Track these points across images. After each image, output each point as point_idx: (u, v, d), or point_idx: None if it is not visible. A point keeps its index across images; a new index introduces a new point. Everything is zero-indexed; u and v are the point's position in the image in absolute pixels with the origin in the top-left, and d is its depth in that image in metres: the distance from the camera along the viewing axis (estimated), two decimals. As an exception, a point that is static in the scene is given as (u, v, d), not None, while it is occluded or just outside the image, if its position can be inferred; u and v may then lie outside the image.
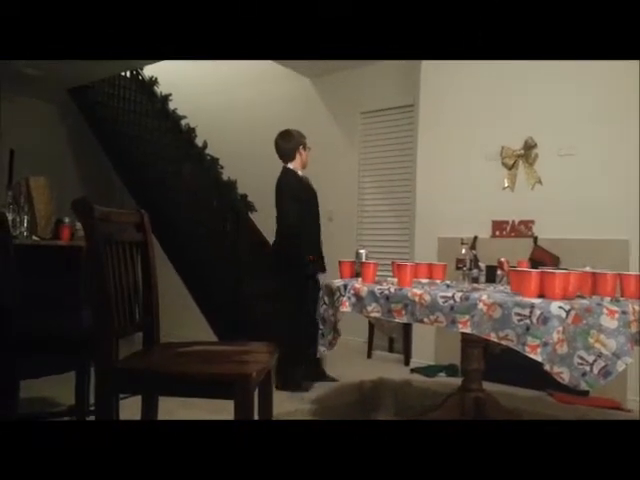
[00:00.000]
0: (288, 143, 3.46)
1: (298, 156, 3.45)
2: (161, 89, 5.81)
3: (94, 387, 1.63)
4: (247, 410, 1.45)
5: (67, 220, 3.28)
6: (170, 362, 1.63)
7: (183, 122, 5.53)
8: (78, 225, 2.97)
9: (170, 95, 5.71)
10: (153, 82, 5.86)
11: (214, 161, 5.13)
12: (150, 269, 1.76)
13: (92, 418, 1.87)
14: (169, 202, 5.08)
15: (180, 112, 5.63)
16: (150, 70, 5.84)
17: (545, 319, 1.89)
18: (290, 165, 3.46)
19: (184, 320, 4.49)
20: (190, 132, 5.35)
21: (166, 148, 5.55)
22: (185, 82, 6.07)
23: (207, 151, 5.23)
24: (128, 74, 6.01)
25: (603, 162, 3.42)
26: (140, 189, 5.22)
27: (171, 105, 5.68)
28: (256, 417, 1.70)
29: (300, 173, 3.47)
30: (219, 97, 6.07)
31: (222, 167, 5.18)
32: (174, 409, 2.72)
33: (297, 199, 3.33)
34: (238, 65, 5.62)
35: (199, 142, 5.33)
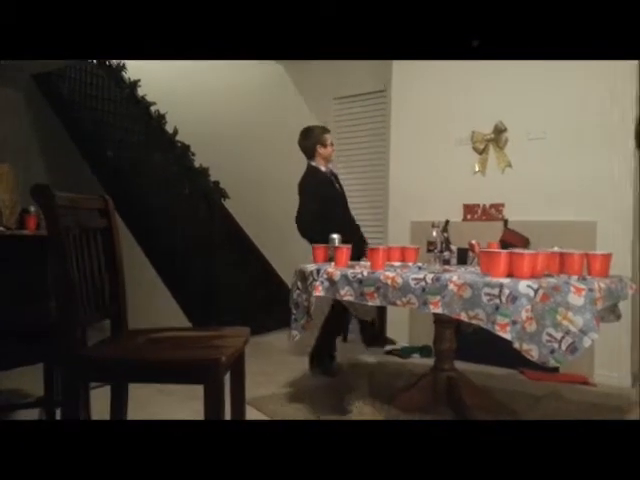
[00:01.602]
0: (306, 141, 3.51)
1: (318, 153, 3.49)
2: (129, 74, 5.68)
3: (62, 377, 1.60)
4: (217, 395, 1.44)
5: (33, 209, 3.19)
6: (138, 349, 1.60)
7: (153, 108, 5.41)
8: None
9: (139, 81, 5.58)
10: (121, 68, 5.72)
11: (185, 148, 5.05)
12: (115, 255, 1.72)
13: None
14: (140, 190, 4.99)
15: (150, 98, 5.51)
16: (117, 55, 5.69)
17: (514, 298, 1.92)
18: (313, 162, 3.51)
19: (156, 308, 4.44)
20: (160, 118, 5.25)
21: (135, 135, 5.44)
22: (154, 67, 5.92)
23: (178, 138, 5.13)
24: (95, 60, 5.85)
25: (571, 145, 3.47)
26: (109, 177, 5.11)
27: (140, 91, 5.56)
28: (228, 401, 1.69)
29: (323, 169, 3.52)
30: (190, 83, 5.96)
31: (194, 154, 5.10)
32: (150, 395, 2.70)
33: (317, 197, 3.38)
34: (208, 49, 5.51)
35: (169, 129, 5.23)
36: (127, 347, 1.63)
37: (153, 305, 4.46)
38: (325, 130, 3.56)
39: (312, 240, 3.13)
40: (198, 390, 1.44)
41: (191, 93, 5.90)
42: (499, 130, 3.75)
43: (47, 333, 2.18)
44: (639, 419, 1.51)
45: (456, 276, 2.10)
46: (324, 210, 3.35)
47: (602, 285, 2.03)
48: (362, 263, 2.73)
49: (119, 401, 1.73)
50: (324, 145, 3.48)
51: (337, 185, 3.64)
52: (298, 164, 3.80)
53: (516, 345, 1.95)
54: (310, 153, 3.52)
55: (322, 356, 3.46)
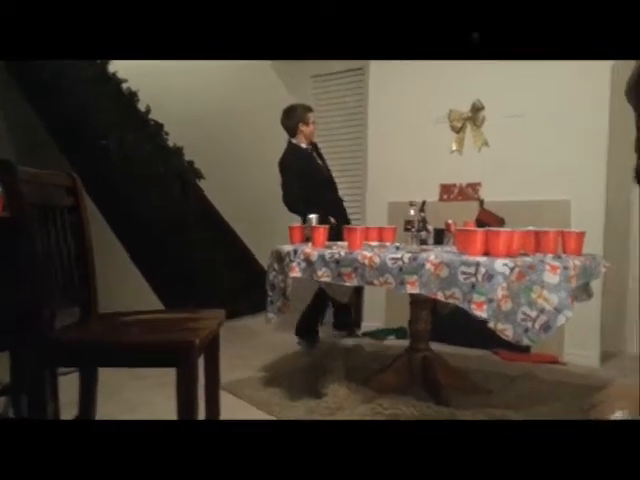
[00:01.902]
0: (288, 120, 3.58)
1: (300, 131, 3.56)
2: (98, 50, 5.48)
3: (28, 362, 1.54)
4: (190, 378, 1.41)
5: (-2, 189, 3.07)
6: (109, 332, 1.55)
7: (124, 85, 5.24)
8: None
9: (109, 57, 5.39)
10: (90, 43, 5.52)
11: (158, 126, 4.92)
12: (84, 235, 1.66)
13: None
14: (111, 169, 4.84)
15: (121, 75, 5.34)
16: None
17: (490, 276, 1.93)
18: (294, 140, 3.60)
19: (128, 291, 4.35)
20: (132, 96, 5.09)
21: (106, 112, 5.26)
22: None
23: (151, 116, 5.00)
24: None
25: (549, 124, 3.48)
26: (80, 156, 4.95)
27: (111, 68, 5.37)
28: (202, 385, 1.66)
29: (304, 146, 3.61)
30: (162, 60, 5.78)
31: (167, 133, 4.98)
32: (123, 381, 2.65)
33: (299, 173, 3.46)
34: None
35: (142, 107, 5.08)
36: (97, 330, 1.57)
37: (125, 288, 4.37)
38: (308, 109, 3.63)
39: (302, 213, 3.23)
40: (172, 375, 1.41)
41: (164, 71, 5.72)
42: (476, 108, 3.74)
43: (12, 317, 2.11)
44: (637, 419, 1.54)
45: (433, 255, 2.10)
46: (307, 186, 3.41)
47: (577, 263, 2.05)
48: (339, 243, 2.71)
49: (89, 388, 1.68)
50: (306, 123, 3.56)
51: (319, 161, 3.69)
52: (276, 143, 3.74)
53: (491, 324, 1.96)
54: (292, 131, 3.59)
55: (308, 327, 3.60)
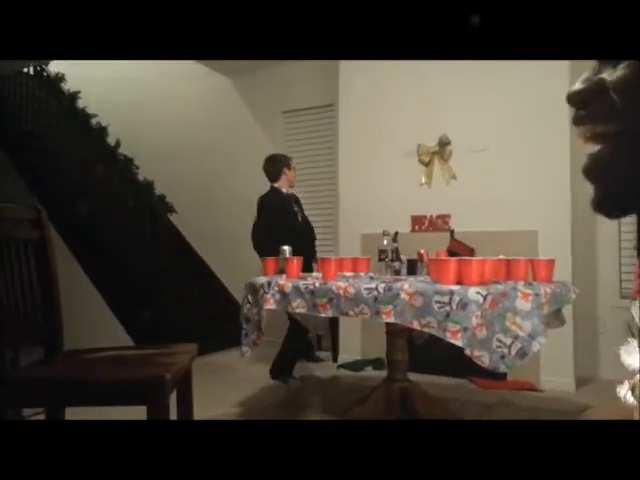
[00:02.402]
0: (273, 167, 3.73)
1: (284, 177, 3.72)
2: (69, 86, 5.46)
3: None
4: (162, 416, 1.35)
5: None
6: (75, 369, 1.49)
7: (94, 120, 5.22)
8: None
9: (79, 92, 5.38)
10: (60, 78, 5.50)
11: (128, 161, 4.88)
12: (49, 269, 1.60)
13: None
14: (80, 203, 4.76)
15: (90, 110, 5.32)
16: (56, 66, 5.47)
17: (464, 304, 1.94)
18: (276, 184, 3.72)
19: (96, 327, 4.22)
20: (101, 131, 5.06)
21: (75, 147, 5.21)
22: (96, 78, 5.74)
23: (121, 150, 4.96)
24: (31, 70, 5.61)
25: (513, 157, 3.58)
26: (47, 191, 4.86)
27: (80, 103, 5.35)
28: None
29: (284, 191, 3.73)
30: (133, 95, 5.79)
31: (137, 167, 4.95)
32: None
33: (277, 215, 3.57)
34: (153, 62, 5.39)
35: (111, 141, 5.05)
36: (63, 368, 1.51)
37: (92, 324, 4.24)
38: (289, 158, 3.84)
39: (264, 254, 3.16)
40: (140, 414, 1.35)
41: (135, 105, 5.74)
42: (443, 143, 3.83)
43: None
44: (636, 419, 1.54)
45: (407, 285, 2.10)
46: (281, 229, 3.48)
47: (548, 290, 2.08)
48: (314, 274, 2.69)
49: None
50: (289, 168, 3.75)
51: (297, 207, 3.81)
52: (245, 177, 3.76)
53: (467, 352, 1.95)
54: (275, 177, 3.73)
55: (283, 369, 3.53)
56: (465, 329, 1.93)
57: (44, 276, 1.59)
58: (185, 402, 1.70)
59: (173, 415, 1.51)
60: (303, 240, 3.59)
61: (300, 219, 3.81)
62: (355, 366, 3.91)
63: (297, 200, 3.88)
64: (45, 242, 1.61)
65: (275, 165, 3.74)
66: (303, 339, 3.69)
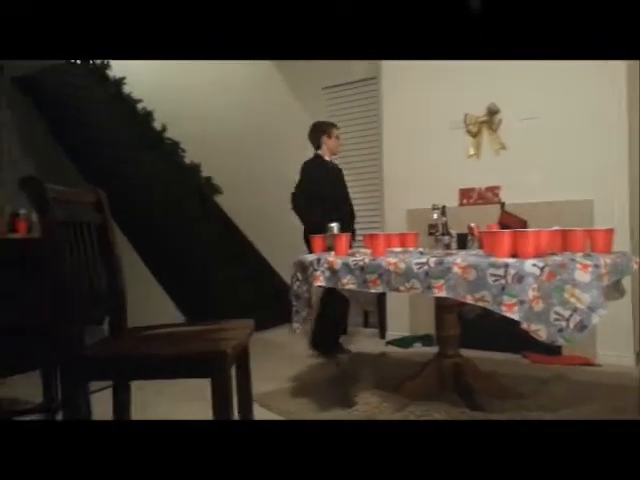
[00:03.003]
0: (313, 136, 3.79)
1: (324, 145, 3.74)
2: (114, 73, 5.59)
3: (61, 380, 1.55)
4: (225, 389, 1.40)
5: (22, 212, 3.13)
6: (140, 345, 1.55)
7: (139, 106, 5.33)
8: (35, 217, 2.84)
9: (124, 78, 5.50)
10: (105, 66, 5.64)
11: (175, 145, 4.98)
12: (112, 251, 1.67)
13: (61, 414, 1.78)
14: (129, 188, 4.90)
15: (135, 96, 5.44)
16: (100, 53, 5.60)
17: (520, 277, 1.89)
18: (319, 151, 3.77)
19: (152, 307, 4.37)
20: (147, 116, 5.17)
21: (122, 133, 5.35)
22: (139, 65, 5.84)
23: (166, 135, 5.06)
24: (78, 60, 5.75)
25: (564, 125, 3.44)
26: (97, 177, 5.02)
27: (125, 89, 5.47)
28: (235, 396, 1.65)
29: (327, 159, 3.75)
30: (177, 80, 5.86)
31: (184, 151, 5.04)
32: (148, 399, 2.65)
33: (316, 180, 3.62)
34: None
35: (157, 126, 5.16)
36: (129, 344, 1.57)
37: (148, 304, 4.39)
38: (332, 125, 3.82)
39: (301, 216, 3.56)
40: (201, 390, 1.39)
41: (178, 90, 5.82)
42: (492, 112, 3.71)
43: (42, 334, 2.12)
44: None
45: (460, 258, 2.07)
46: (319, 195, 3.53)
47: (607, 261, 2.00)
48: (362, 251, 2.69)
49: (122, 403, 1.68)
50: (329, 136, 3.73)
51: (338, 176, 3.82)
52: (291, 156, 3.77)
53: (524, 325, 1.91)
54: (317, 143, 3.76)
55: (323, 338, 3.65)
56: (521, 302, 1.89)
57: (108, 257, 1.66)
58: (244, 376, 1.75)
59: (233, 389, 1.56)
60: (341, 213, 3.57)
61: (340, 191, 3.81)
62: (403, 342, 3.91)
63: (339, 172, 3.87)
64: (107, 224, 1.67)
65: (314, 133, 3.78)
66: (339, 313, 3.71)
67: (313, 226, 3.48)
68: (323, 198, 3.56)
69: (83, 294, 1.54)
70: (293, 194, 3.69)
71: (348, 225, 3.72)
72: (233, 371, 1.60)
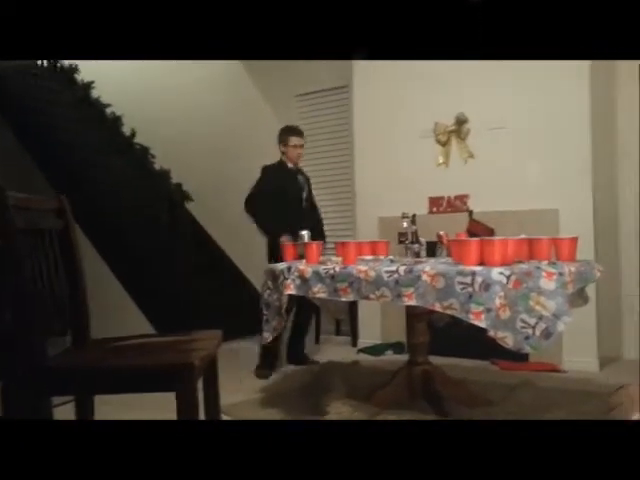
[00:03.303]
0: (278, 137, 3.68)
1: (282, 152, 3.65)
2: (82, 76, 5.48)
3: (20, 393, 1.49)
4: (191, 402, 1.37)
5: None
6: (104, 357, 1.51)
7: (108, 110, 5.24)
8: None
9: (93, 82, 5.39)
10: (73, 69, 5.52)
11: (144, 150, 4.90)
12: (74, 258, 1.62)
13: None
14: (97, 193, 4.80)
15: (104, 100, 5.34)
16: (68, 57, 5.48)
17: (487, 285, 1.92)
18: (283, 157, 3.68)
19: (118, 316, 4.27)
20: (116, 120, 5.08)
21: (90, 138, 5.24)
22: (108, 68, 5.74)
23: (136, 140, 4.98)
24: (45, 62, 5.63)
25: (532, 134, 3.52)
26: (64, 182, 4.90)
27: (94, 93, 5.37)
28: (201, 409, 1.62)
29: (290, 165, 3.64)
30: (147, 84, 5.78)
31: (154, 156, 4.96)
32: (111, 413, 2.57)
33: (273, 184, 3.52)
34: (164, 49, 5.38)
35: (126, 131, 5.07)
36: (92, 356, 1.53)
37: (112, 312, 4.29)
38: (290, 133, 3.63)
39: (253, 217, 3.53)
40: (168, 401, 1.36)
41: (148, 94, 5.73)
42: (460, 121, 3.77)
43: (2, 346, 2.04)
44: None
45: (429, 266, 2.08)
46: (277, 200, 3.47)
47: (572, 269, 2.05)
48: (333, 259, 2.69)
49: (84, 418, 1.62)
50: (285, 144, 3.61)
51: (300, 183, 3.70)
52: (263, 163, 3.74)
53: (491, 333, 1.94)
54: (279, 148, 3.67)
55: (297, 352, 3.64)
56: (488, 310, 1.92)
57: (70, 265, 1.61)
58: (211, 388, 1.72)
59: (200, 401, 1.53)
60: (303, 221, 3.47)
61: (304, 199, 3.72)
62: (375, 350, 3.92)
63: (304, 180, 3.76)
64: (69, 231, 1.62)
65: (278, 137, 3.68)
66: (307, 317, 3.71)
67: (265, 231, 3.55)
68: (277, 202, 3.48)
69: (44, 302, 1.49)
70: (247, 196, 3.61)
71: (317, 233, 3.68)
72: (200, 383, 1.58)
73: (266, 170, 3.61)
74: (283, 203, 3.52)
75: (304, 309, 3.52)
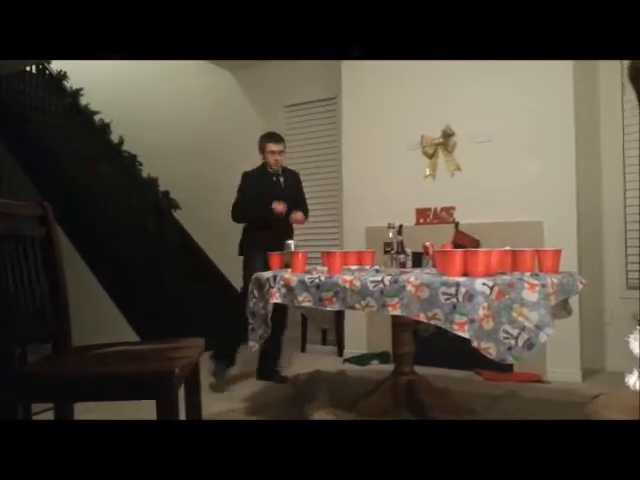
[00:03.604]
0: (259, 141, 3.62)
1: (262, 157, 3.60)
2: (71, 83, 5.47)
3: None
4: (171, 410, 1.35)
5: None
6: (84, 364, 1.49)
7: (97, 118, 5.22)
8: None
9: (81, 90, 5.38)
10: (62, 76, 5.51)
11: (132, 158, 4.89)
12: (56, 265, 1.61)
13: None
14: (85, 201, 4.78)
15: (93, 107, 5.33)
16: (58, 64, 5.47)
17: (470, 296, 1.93)
18: (264, 160, 3.63)
19: (103, 324, 4.24)
20: (104, 128, 5.06)
21: (79, 145, 5.22)
22: (97, 76, 5.74)
23: (124, 147, 4.97)
24: (33, 69, 5.61)
25: (518, 148, 3.57)
26: (52, 189, 4.87)
27: (82, 100, 5.36)
28: (184, 416, 1.60)
29: (270, 170, 3.58)
30: (136, 91, 5.78)
31: (141, 164, 4.95)
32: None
33: (253, 188, 3.51)
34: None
35: (115, 138, 5.06)
36: (71, 363, 1.51)
37: (97, 320, 4.25)
38: (270, 138, 3.57)
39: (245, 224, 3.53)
40: (148, 409, 1.35)
41: (137, 101, 5.73)
42: (447, 134, 3.82)
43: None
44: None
45: (413, 277, 2.09)
46: (255, 202, 3.43)
47: (554, 280, 2.07)
48: (319, 268, 2.69)
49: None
50: (262, 150, 3.58)
51: (281, 186, 3.62)
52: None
53: (474, 343, 1.95)
54: (260, 155, 3.63)
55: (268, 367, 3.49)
56: (472, 321, 1.93)
57: (51, 272, 1.60)
58: (193, 396, 1.71)
59: (181, 409, 1.52)
60: (280, 221, 3.45)
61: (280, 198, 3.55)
62: (361, 360, 3.91)
63: (287, 181, 3.65)
64: (52, 238, 1.61)
65: (260, 141, 3.62)
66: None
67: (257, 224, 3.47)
68: (259, 206, 3.43)
69: (24, 309, 1.48)
70: (232, 205, 3.59)
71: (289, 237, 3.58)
72: (182, 392, 1.56)
73: (246, 176, 3.61)
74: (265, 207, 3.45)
75: (276, 325, 3.22)
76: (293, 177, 3.74)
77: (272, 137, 3.60)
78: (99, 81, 5.67)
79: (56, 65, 5.53)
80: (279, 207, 3.40)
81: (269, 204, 3.41)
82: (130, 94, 5.77)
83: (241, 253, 3.64)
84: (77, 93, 5.35)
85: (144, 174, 4.90)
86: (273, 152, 3.54)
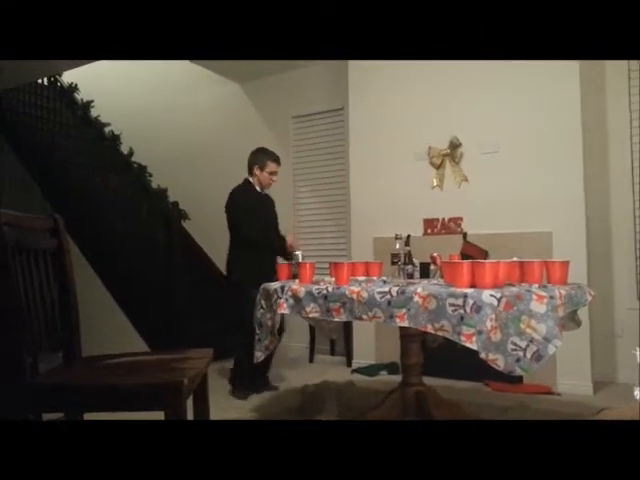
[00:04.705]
0: (251, 157, 3.53)
1: (254, 173, 3.49)
2: (82, 95, 5.55)
3: (11, 410, 1.48)
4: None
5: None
6: (93, 375, 1.51)
7: (107, 129, 5.29)
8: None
9: (92, 102, 5.46)
10: (73, 89, 5.59)
11: (142, 169, 4.94)
12: (67, 277, 1.63)
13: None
14: (95, 212, 4.83)
15: (103, 119, 5.40)
16: (69, 76, 5.56)
17: (478, 308, 1.92)
18: (250, 178, 3.52)
19: (113, 334, 4.26)
20: (114, 139, 5.12)
21: (89, 157, 5.28)
22: (108, 88, 5.82)
23: (134, 159, 5.02)
24: (45, 81, 5.70)
25: (525, 158, 3.57)
26: (62, 200, 4.94)
27: (93, 112, 5.43)
28: (191, 428, 1.61)
29: (258, 189, 3.50)
30: (145, 104, 5.86)
31: (151, 175, 5.00)
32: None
33: (244, 208, 3.40)
34: (164, 70, 5.46)
35: (125, 149, 5.12)
36: (81, 374, 1.53)
37: (108, 330, 4.28)
38: (271, 157, 3.49)
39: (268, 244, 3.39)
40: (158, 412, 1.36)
41: (147, 113, 5.81)
42: (454, 145, 3.83)
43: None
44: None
45: (421, 288, 2.09)
46: (251, 217, 3.37)
47: (563, 292, 2.06)
48: (327, 279, 2.69)
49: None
50: (262, 169, 3.45)
51: (267, 207, 3.59)
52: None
53: (482, 355, 1.94)
54: (249, 169, 3.52)
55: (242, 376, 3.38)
56: (479, 332, 1.92)
57: (62, 284, 1.62)
58: (202, 407, 1.72)
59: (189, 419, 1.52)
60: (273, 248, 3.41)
61: (270, 222, 3.58)
62: (369, 370, 3.90)
63: (271, 203, 3.63)
64: (63, 250, 1.64)
65: (252, 158, 3.50)
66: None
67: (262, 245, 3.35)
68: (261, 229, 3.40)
69: (35, 319, 1.50)
70: (248, 231, 3.39)
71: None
72: (190, 403, 1.57)
73: (234, 194, 3.47)
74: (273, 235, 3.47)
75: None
76: (272, 203, 3.67)
77: (274, 156, 3.50)
78: (109, 93, 5.76)
79: (67, 77, 5.62)
80: (291, 240, 3.41)
81: (268, 227, 3.43)
82: (140, 106, 5.84)
83: (230, 274, 3.50)
84: (88, 105, 5.43)
85: (154, 185, 4.94)
86: (272, 173, 3.46)
